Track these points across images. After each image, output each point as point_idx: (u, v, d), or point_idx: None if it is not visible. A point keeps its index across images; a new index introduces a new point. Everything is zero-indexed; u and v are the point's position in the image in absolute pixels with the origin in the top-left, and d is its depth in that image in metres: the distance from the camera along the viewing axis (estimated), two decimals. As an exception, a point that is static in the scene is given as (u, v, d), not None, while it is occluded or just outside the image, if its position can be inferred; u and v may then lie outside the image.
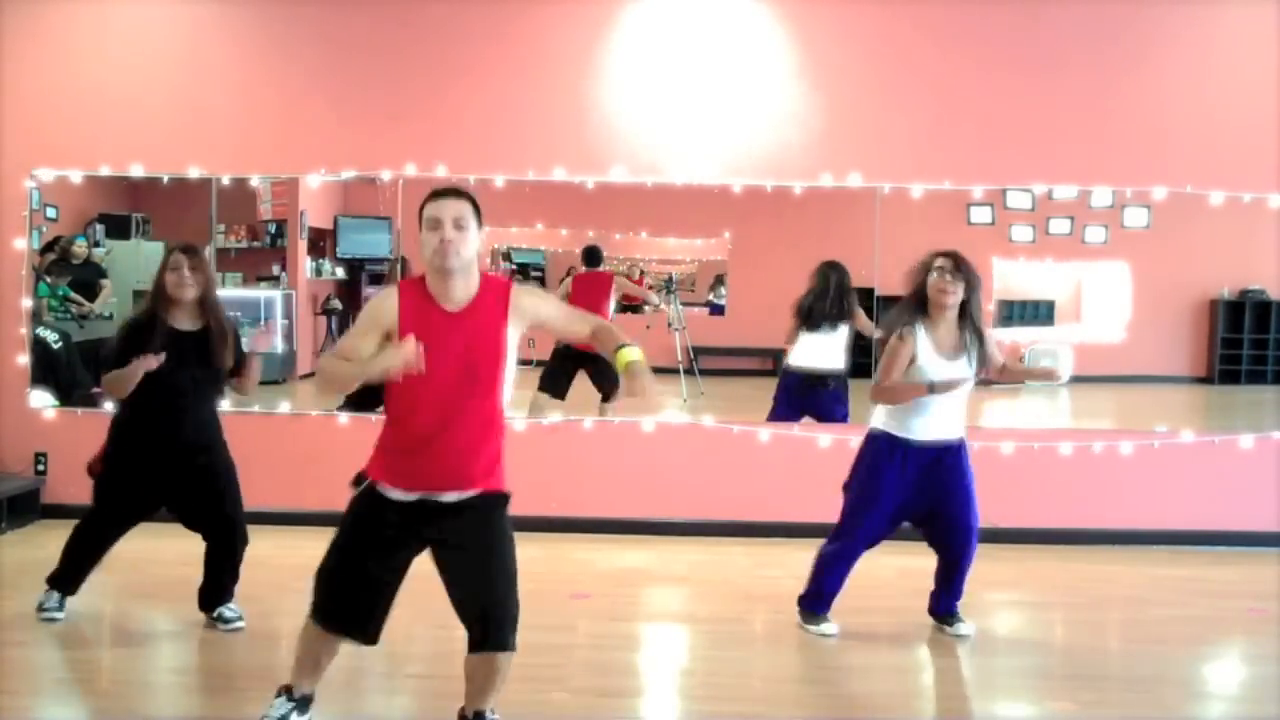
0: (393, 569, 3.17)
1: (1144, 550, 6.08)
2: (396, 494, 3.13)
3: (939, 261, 4.30)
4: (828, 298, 6.23)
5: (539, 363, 6.83)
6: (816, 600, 4.59)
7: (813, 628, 4.56)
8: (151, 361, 4.19)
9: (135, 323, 4.39)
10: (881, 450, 4.44)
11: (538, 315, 3.16)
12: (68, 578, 4.59)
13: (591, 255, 7.17)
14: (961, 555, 4.52)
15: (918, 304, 4.36)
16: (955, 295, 4.28)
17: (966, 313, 4.33)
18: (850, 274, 6.31)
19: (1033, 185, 6.37)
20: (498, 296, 3.10)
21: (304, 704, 3.38)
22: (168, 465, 4.42)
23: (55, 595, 4.58)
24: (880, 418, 4.47)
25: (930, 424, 4.37)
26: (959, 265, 4.29)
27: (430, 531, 3.14)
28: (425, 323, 3.02)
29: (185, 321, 4.37)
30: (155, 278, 4.38)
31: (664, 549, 5.96)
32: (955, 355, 4.33)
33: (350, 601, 3.18)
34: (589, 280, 7.12)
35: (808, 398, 6.41)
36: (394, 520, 3.13)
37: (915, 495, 4.42)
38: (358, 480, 3.20)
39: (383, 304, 3.10)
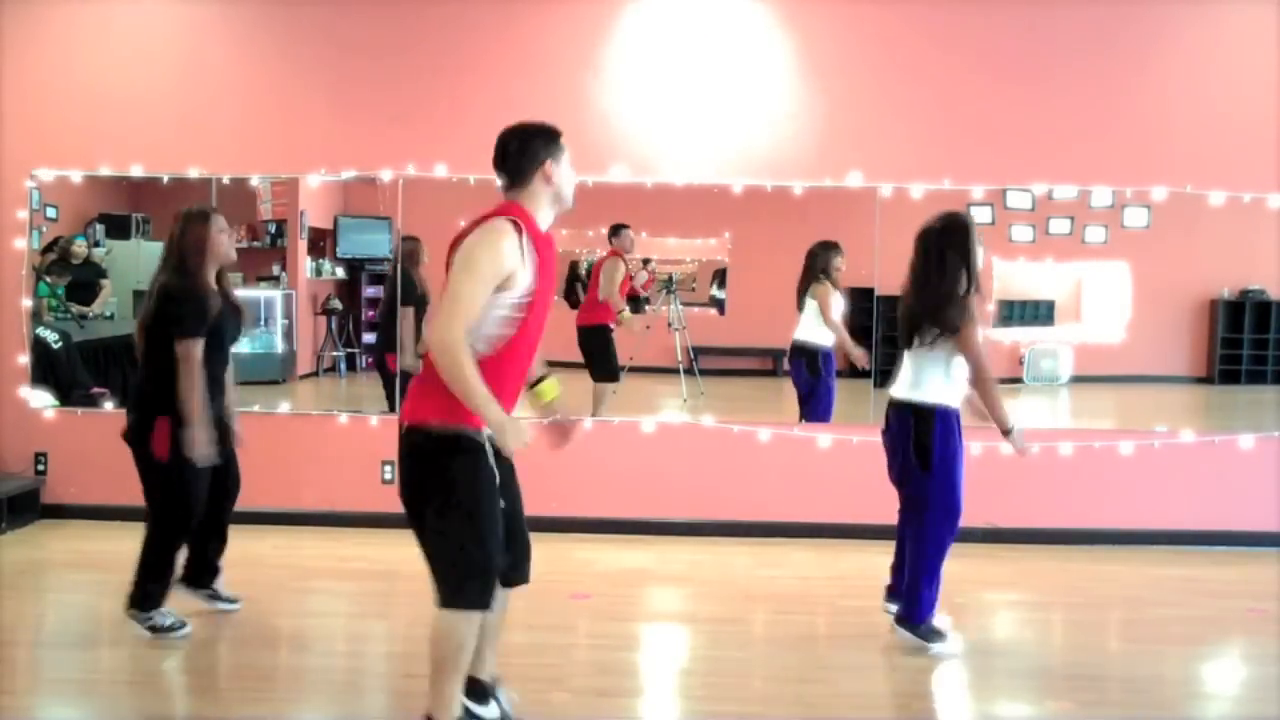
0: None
1: (1144, 550, 6.08)
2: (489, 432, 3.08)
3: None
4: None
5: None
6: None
7: None
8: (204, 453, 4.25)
9: (192, 292, 4.25)
10: None
11: None
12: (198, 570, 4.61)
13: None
14: (904, 527, 4.42)
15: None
16: None
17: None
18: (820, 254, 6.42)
19: (1033, 185, 6.37)
20: None
21: (490, 692, 3.41)
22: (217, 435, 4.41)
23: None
24: None
25: (897, 380, 4.40)
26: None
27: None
28: (546, 251, 3.13)
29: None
30: (197, 240, 4.27)
31: (664, 549, 5.96)
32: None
33: (497, 560, 3.13)
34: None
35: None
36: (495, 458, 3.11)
37: (889, 451, 4.43)
38: (456, 442, 3.05)
39: (504, 247, 3.00)
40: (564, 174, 3.19)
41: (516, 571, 3.31)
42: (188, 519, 4.33)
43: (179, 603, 4.49)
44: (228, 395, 4.51)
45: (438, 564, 3.10)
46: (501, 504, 3.12)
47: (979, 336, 4.17)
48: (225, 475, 4.50)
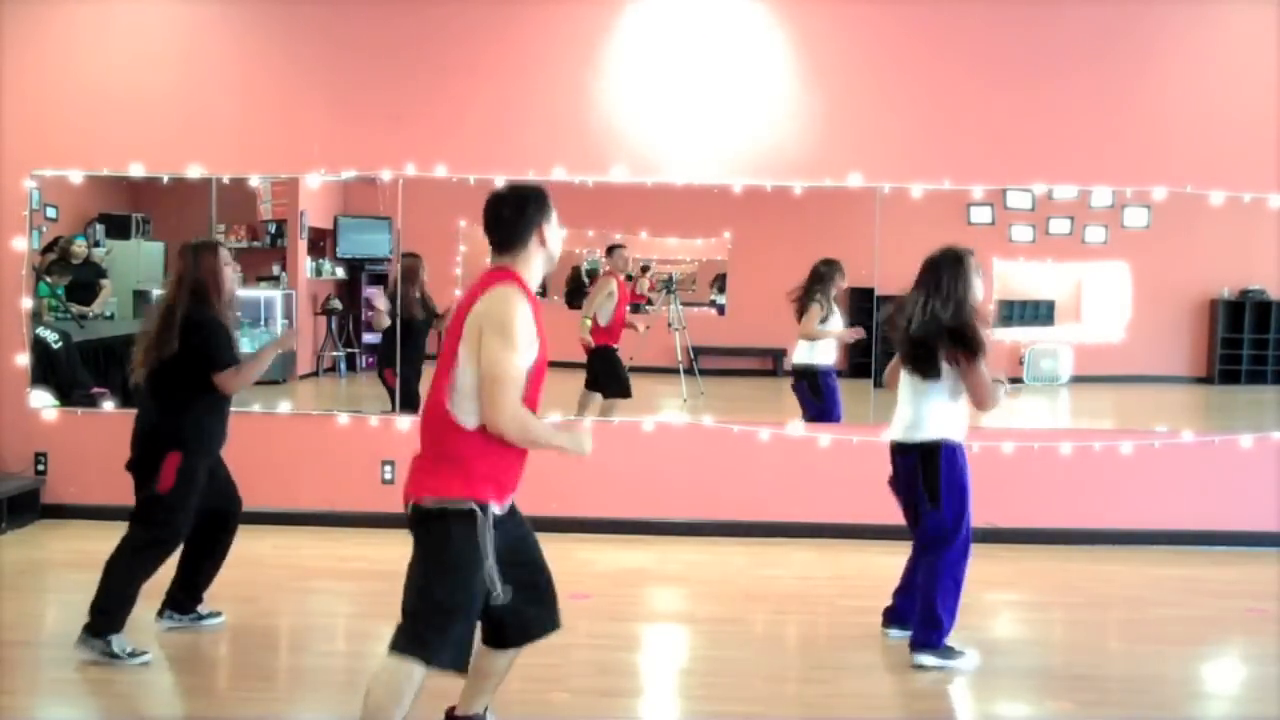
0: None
1: (1144, 550, 6.08)
2: (496, 508, 3.06)
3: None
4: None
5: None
6: None
7: None
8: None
9: (217, 321, 4.25)
10: None
11: None
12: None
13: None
14: (916, 561, 4.41)
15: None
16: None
17: None
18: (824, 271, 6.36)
19: (1033, 185, 6.37)
20: None
21: None
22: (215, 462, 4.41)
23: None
24: None
25: (893, 420, 4.36)
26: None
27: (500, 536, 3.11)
28: (538, 314, 3.08)
29: None
30: (204, 274, 4.23)
31: (664, 549, 5.96)
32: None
33: (460, 626, 3.07)
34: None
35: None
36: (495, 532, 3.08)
37: (900, 496, 4.41)
38: (456, 511, 3.00)
39: (528, 314, 3.01)
40: (555, 235, 3.16)
41: (538, 623, 3.26)
42: (171, 545, 4.27)
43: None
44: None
45: (407, 610, 3.06)
46: (502, 549, 3.07)
47: (985, 367, 4.12)
48: (225, 501, 4.46)
